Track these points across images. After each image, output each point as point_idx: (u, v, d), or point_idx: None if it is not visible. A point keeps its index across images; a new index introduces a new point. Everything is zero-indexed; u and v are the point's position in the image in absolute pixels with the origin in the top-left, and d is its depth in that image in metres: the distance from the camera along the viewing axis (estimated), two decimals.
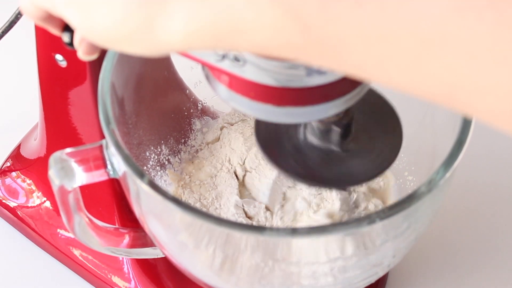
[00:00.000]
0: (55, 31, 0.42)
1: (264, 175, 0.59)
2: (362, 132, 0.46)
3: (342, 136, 0.45)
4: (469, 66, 0.28)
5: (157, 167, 0.60)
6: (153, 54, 0.35)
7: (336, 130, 0.45)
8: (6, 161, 0.69)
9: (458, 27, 0.28)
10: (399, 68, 0.30)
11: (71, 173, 0.47)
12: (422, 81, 0.30)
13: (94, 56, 0.41)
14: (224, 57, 0.38)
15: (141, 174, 0.44)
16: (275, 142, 0.46)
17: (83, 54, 0.41)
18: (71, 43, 0.42)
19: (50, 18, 0.41)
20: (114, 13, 0.34)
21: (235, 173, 0.60)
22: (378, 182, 0.60)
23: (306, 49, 0.31)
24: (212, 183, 0.60)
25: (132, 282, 0.62)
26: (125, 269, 0.62)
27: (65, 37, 0.42)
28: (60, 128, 0.60)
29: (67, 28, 0.42)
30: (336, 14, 0.30)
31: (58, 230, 0.65)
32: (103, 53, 0.49)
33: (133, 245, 0.55)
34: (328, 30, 0.30)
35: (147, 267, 0.62)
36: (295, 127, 0.46)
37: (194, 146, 0.63)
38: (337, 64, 0.31)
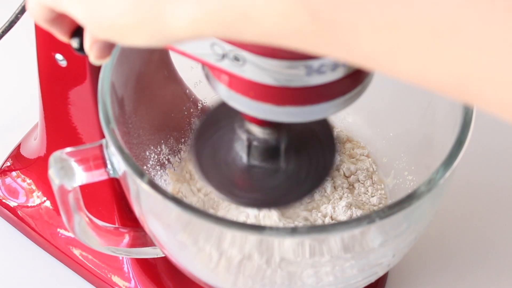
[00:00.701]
0: (63, 37, 0.42)
1: None
2: (294, 150, 0.46)
3: (266, 155, 0.45)
4: (480, 56, 0.28)
5: (157, 167, 0.60)
6: (161, 43, 0.35)
7: (253, 144, 0.44)
8: (6, 160, 0.69)
9: (470, 16, 0.28)
10: (409, 57, 0.29)
11: (71, 173, 0.47)
12: (432, 71, 0.29)
13: (105, 60, 0.41)
14: (224, 56, 0.38)
15: (141, 174, 0.44)
16: (212, 160, 0.46)
17: (95, 58, 0.41)
18: (80, 49, 0.42)
19: (58, 20, 0.40)
20: (120, 2, 0.34)
21: None
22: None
23: (315, 37, 0.31)
24: None
25: (132, 281, 0.62)
26: (125, 269, 0.62)
27: (74, 43, 0.42)
28: (60, 127, 0.60)
29: (75, 34, 0.42)
30: (346, 1, 0.30)
31: (58, 229, 0.65)
32: None
33: (133, 244, 0.55)
34: (337, 17, 0.30)
35: (147, 266, 0.62)
36: (231, 142, 0.46)
37: None
38: (345, 53, 0.31)
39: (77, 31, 0.41)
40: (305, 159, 0.46)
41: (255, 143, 0.44)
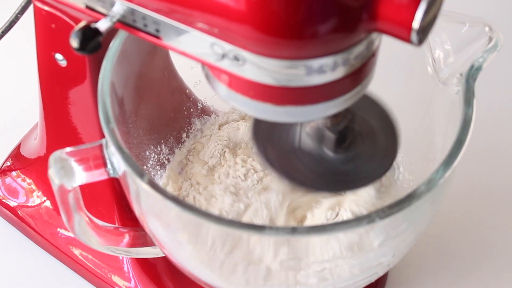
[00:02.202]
0: None
1: None
2: (358, 137, 0.47)
3: (337, 142, 0.45)
4: None
5: (157, 167, 0.60)
6: None
7: (331, 136, 0.45)
8: (6, 160, 0.69)
9: None
10: None
11: (71, 173, 0.47)
12: None
13: None
14: (223, 56, 0.38)
15: (141, 174, 0.44)
16: (272, 146, 0.46)
17: None
18: (80, 48, 0.42)
19: None
20: None
21: None
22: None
23: None
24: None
25: (132, 281, 0.62)
26: (125, 269, 0.62)
27: (74, 42, 0.42)
28: (60, 127, 0.60)
29: (75, 33, 0.42)
30: None
31: (58, 229, 0.65)
32: (103, 52, 0.49)
33: (133, 244, 0.55)
34: None
35: (147, 266, 0.62)
36: (292, 130, 0.46)
37: (193, 145, 0.63)
38: None
39: (77, 31, 0.41)
40: (369, 143, 0.47)
41: (329, 133, 0.45)
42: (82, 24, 0.41)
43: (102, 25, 0.42)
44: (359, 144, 0.47)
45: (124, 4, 0.41)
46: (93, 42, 0.41)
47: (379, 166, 0.47)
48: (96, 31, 0.41)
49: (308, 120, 0.41)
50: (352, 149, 0.46)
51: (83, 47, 0.41)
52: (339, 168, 0.46)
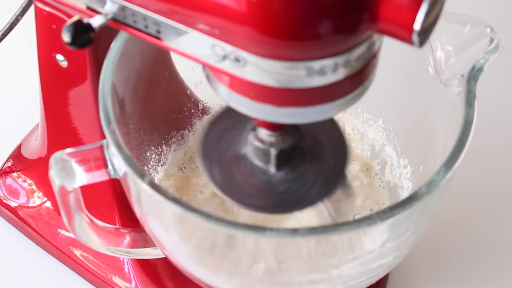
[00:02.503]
0: None
1: None
2: (305, 157, 0.46)
3: (278, 160, 0.45)
4: None
5: (158, 167, 0.60)
6: None
7: (273, 153, 0.45)
8: (7, 161, 0.69)
9: None
10: None
11: (71, 173, 0.47)
12: None
13: None
14: (224, 57, 0.38)
15: (141, 174, 0.44)
16: (218, 163, 0.46)
17: None
18: (72, 43, 0.42)
19: None
20: None
21: None
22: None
23: None
24: None
25: (133, 282, 0.62)
26: (126, 269, 0.62)
27: (66, 37, 0.42)
28: (60, 128, 0.60)
29: (67, 27, 0.42)
30: None
31: (59, 230, 0.65)
32: (104, 53, 0.49)
33: (133, 245, 0.55)
34: None
35: (147, 267, 0.62)
36: (238, 147, 0.46)
37: (194, 146, 0.63)
38: None
39: (69, 25, 0.41)
40: (317, 164, 0.46)
41: (272, 150, 0.44)
42: (74, 18, 0.41)
43: (96, 21, 0.42)
44: (304, 165, 0.46)
45: (125, 4, 0.41)
46: (84, 37, 0.41)
47: (320, 189, 0.46)
48: (89, 27, 0.41)
49: (308, 121, 0.41)
50: (296, 170, 0.46)
51: (74, 41, 0.41)
52: (278, 188, 0.46)
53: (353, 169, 0.61)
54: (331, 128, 0.48)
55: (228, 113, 0.47)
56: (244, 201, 0.46)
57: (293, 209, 0.47)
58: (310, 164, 0.46)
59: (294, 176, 0.46)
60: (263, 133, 0.45)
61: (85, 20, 0.42)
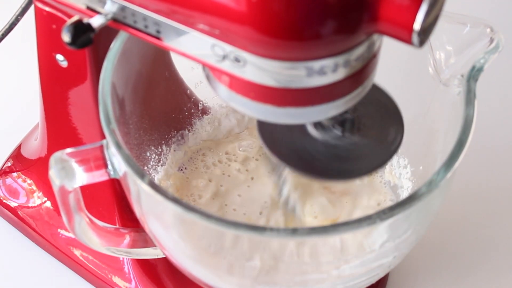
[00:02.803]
0: None
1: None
2: (363, 125, 0.46)
3: (343, 130, 0.45)
4: None
5: (158, 167, 0.60)
6: None
7: (337, 126, 0.44)
8: (6, 161, 0.69)
9: None
10: None
11: (71, 173, 0.47)
12: None
13: None
14: (224, 57, 0.38)
15: (141, 174, 0.44)
16: (277, 135, 0.46)
17: None
18: (71, 43, 0.42)
19: None
20: None
21: None
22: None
23: None
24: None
25: (133, 282, 0.62)
26: (126, 269, 0.62)
27: (66, 37, 0.42)
28: (60, 128, 0.60)
29: (67, 27, 0.42)
30: None
31: (59, 230, 0.65)
32: (104, 53, 0.49)
33: (133, 245, 0.55)
34: None
35: (147, 267, 0.62)
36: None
37: (194, 146, 0.63)
38: None
39: (69, 25, 0.41)
40: (372, 136, 0.46)
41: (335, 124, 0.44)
42: (74, 18, 0.41)
43: (95, 21, 0.42)
44: (364, 131, 0.46)
45: (125, 4, 0.41)
46: (84, 37, 0.41)
47: (381, 154, 0.46)
48: (89, 27, 0.41)
49: (309, 121, 0.41)
50: (357, 136, 0.46)
51: (74, 41, 0.41)
52: (342, 156, 0.45)
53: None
54: (382, 96, 0.48)
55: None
56: (296, 165, 0.45)
57: (354, 177, 0.47)
58: (367, 132, 0.46)
59: (352, 146, 0.46)
60: None
61: (85, 20, 0.42)
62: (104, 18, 0.42)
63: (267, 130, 0.46)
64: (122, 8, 0.42)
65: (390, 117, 0.47)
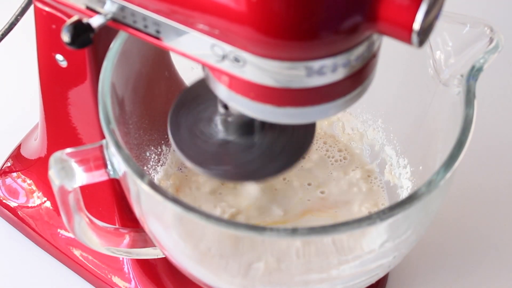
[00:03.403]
0: None
1: None
2: (274, 128, 0.46)
3: (242, 129, 0.45)
4: None
5: (157, 167, 0.60)
6: None
7: (235, 121, 0.44)
8: (6, 161, 0.69)
9: None
10: None
11: (71, 173, 0.47)
12: None
13: None
14: (224, 57, 0.38)
15: (141, 175, 0.44)
16: (189, 134, 0.46)
17: None
18: (71, 43, 0.42)
19: None
20: None
21: None
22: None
23: None
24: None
25: (133, 282, 0.62)
26: (125, 269, 0.62)
27: (65, 37, 0.42)
28: (60, 128, 0.60)
29: (67, 27, 0.42)
30: None
31: (58, 230, 0.65)
32: (103, 53, 0.49)
33: (133, 245, 0.55)
34: None
35: (147, 267, 0.62)
36: (209, 117, 0.46)
37: None
38: None
39: (69, 25, 0.41)
40: (283, 135, 0.46)
41: (229, 118, 0.44)
42: (74, 18, 0.41)
43: (95, 21, 0.42)
44: (271, 136, 0.46)
45: (124, 4, 0.41)
46: (84, 37, 0.41)
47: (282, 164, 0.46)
48: (88, 27, 0.41)
49: (308, 122, 0.41)
50: (262, 140, 0.46)
51: (73, 41, 0.41)
52: (243, 156, 0.45)
53: (354, 177, 0.61)
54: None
55: (198, 86, 0.47)
56: (208, 168, 0.45)
57: (254, 178, 0.46)
58: (275, 135, 0.46)
59: (257, 146, 0.46)
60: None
61: (85, 20, 0.42)
62: (104, 18, 0.42)
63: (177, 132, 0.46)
64: (122, 8, 0.42)
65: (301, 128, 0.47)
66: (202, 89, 0.46)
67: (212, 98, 0.44)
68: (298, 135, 0.46)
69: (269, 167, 0.45)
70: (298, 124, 0.41)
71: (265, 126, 0.46)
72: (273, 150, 0.45)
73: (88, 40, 0.41)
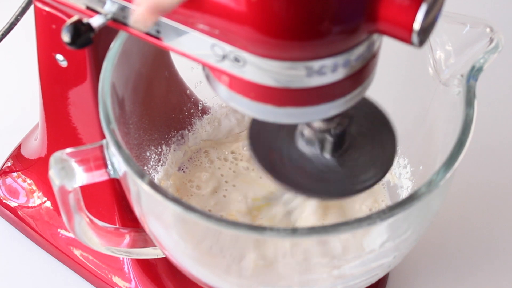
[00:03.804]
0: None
1: None
2: (356, 143, 0.46)
3: (335, 146, 0.45)
4: None
5: (158, 167, 0.60)
6: None
7: (329, 140, 0.44)
8: (6, 161, 0.69)
9: None
10: None
11: (71, 173, 0.47)
12: None
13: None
14: (224, 57, 0.38)
15: (141, 174, 0.44)
16: (267, 147, 0.46)
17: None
18: (71, 43, 0.42)
19: None
20: None
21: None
22: None
23: None
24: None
25: (133, 282, 0.62)
26: (126, 269, 0.62)
27: (66, 37, 0.42)
28: (60, 128, 0.60)
29: (66, 28, 0.42)
30: None
31: (59, 230, 0.65)
32: (103, 52, 0.49)
33: (133, 245, 0.55)
34: None
35: (147, 267, 0.62)
36: (288, 134, 0.46)
37: (194, 146, 0.63)
38: None
39: (69, 25, 0.41)
40: (366, 152, 0.46)
41: (329, 137, 0.44)
42: (74, 18, 0.41)
43: (95, 21, 0.42)
44: (356, 148, 0.46)
45: (125, 4, 0.41)
46: (84, 37, 0.41)
47: (375, 172, 0.46)
48: (88, 27, 0.41)
49: (308, 121, 0.41)
50: (349, 154, 0.46)
51: (74, 41, 0.41)
52: (335, 172, 0.46)
53: None
54: (375, 109, 0.48)
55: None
56: (305, 189, 0.45)
57: (338, 196, 0.47)
58: (360, 149, 0.46)
59: (345, 160, 0.46)
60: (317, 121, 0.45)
61: (85, 20, 0.42)
62: (104, 18, 0.42)
63: (257, 138, 0.46)
64: (122, 8, 0.42)
65: (382, 134, 0.47)
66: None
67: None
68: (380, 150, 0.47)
69: (355, 185, 0.45)
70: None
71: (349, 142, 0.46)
72: (357, 168, 0.46)
73: (89, 40, 0.41)
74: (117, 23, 0.43)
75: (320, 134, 0.45)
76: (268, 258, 0.46)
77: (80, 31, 0.41)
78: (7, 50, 0.73)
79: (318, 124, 0.44)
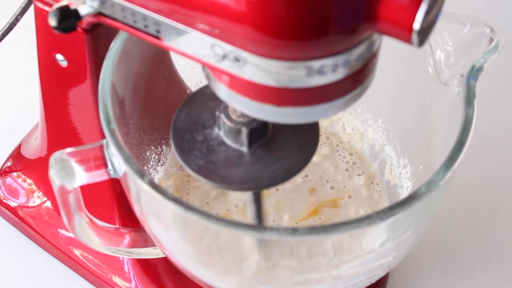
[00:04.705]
0: None
1: None
2: (277, 139, 0.46)
3: (250, 139, 0.45)
4: None
5: (158, 167, 0.60)
6: None
7: (244, 132, 0.44)
8: (6, 161, 0.69)
9: None
10: None
11: (71, 173, 0.47)
12: None
13: None
14: (224, 57, 0.38)
15: (141, 174, 0.44)
16: (188, 134, 0.46)
17: None
18: (57, 27, 0.42)
19: None
20: None
21: None
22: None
23: None
24: None
25: (133, 282, 0.62)
26: (126, 269, 0.62)
27: (52, 21, 0.42)
28: (60, 128, 0.60)
29: (53, 11, 0.42)
30: None
31: (59, 230, 0.65)
32: (103, 52, 0.49)
33: (133, 245, 0.55)
34: None
35: (147, 267, 0.62)
36: (212, 123, 0.46)
37: None
38: None
39: (56, 10, 0.41)
40: (289, 140, 0.46)
41: (244, 129, 0.44)
42: (63, 3, 0.41)
43: (83, 9, 0.42)
44: (271, 147, 0.46)
45: (125, 4, 0.41)
46: (69, 22, 0.42)
47: (277, 174, 0.45)
48: (75, 13, 0.42)
49: (308, 121, 0.41)
50: (262, 151, 0.46)
51: (58, 25, 0.41)
52: (246, 166, 0.45)
53: (357, 183, 0.61)
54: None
55: (199, 96, 0.47)
56: (221, 181, 0.45)
57: (260, 187, 0.46)
58: (275, 149, 0.46)
59: (265, 155, 0.46)
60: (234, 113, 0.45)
61: (73, 6, 0.42)
62: (92, 8, 0.42)
63: (180, 122, 0.46)
64: (122, 8, 0.42)
65: (304, 140, 0.47)
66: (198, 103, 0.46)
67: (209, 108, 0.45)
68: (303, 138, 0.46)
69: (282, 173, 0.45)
70: (298, 123, 0.41)
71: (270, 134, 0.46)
72: (282, 156, 0.45)
73: (73, 26, 0.42)
74: (117, 22, 0.43)
75: (237, 125, 0.44)
76: (268, 257, 0.46)
77: (67, 15, 0.41)
78: (7, 50, 0.73)
79: (235, 117, 0.44)
